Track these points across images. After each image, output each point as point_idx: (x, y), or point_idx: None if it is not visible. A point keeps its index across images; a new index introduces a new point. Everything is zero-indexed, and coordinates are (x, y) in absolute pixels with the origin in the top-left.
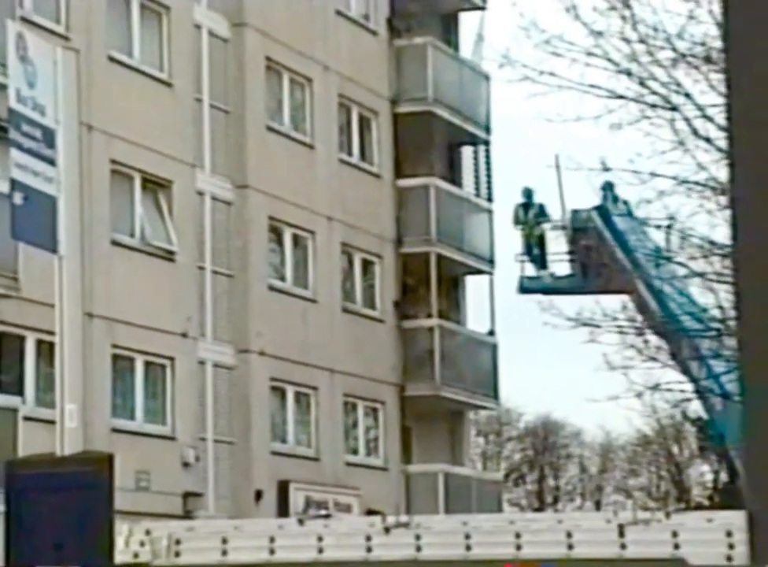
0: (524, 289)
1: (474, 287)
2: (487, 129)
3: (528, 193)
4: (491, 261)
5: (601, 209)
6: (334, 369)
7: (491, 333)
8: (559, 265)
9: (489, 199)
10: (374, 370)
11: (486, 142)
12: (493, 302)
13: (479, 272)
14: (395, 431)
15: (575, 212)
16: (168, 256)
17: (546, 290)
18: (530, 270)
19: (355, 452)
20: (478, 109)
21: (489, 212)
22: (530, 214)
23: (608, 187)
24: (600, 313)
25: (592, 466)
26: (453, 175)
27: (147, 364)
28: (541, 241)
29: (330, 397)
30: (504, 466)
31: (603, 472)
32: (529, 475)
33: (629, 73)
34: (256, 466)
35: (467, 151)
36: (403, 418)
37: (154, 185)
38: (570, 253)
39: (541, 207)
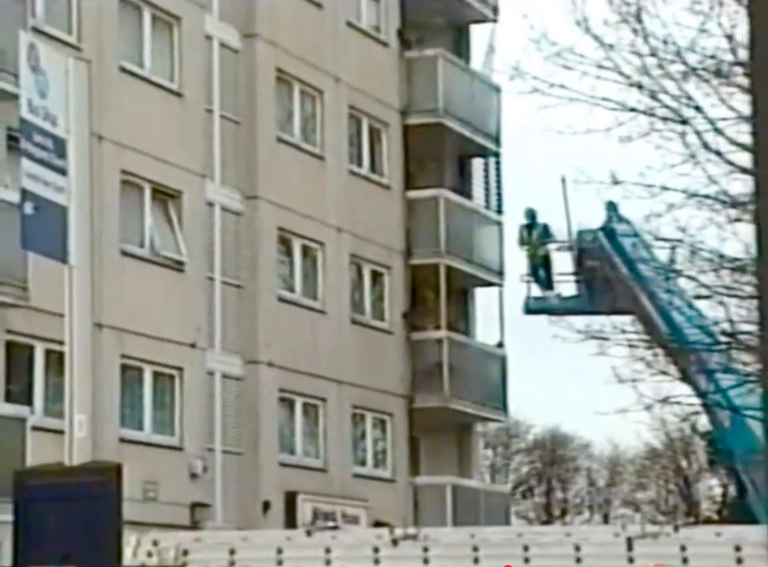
0: (530, 310)
1: (483, 299)
2: (497, 141)
3: (531, 213)
4: (500, 273)
5: (606, 229)
6: (342, 381)
7: (500, 345)
8: (565, 286)
9: (499, 211)
10: (382, 382)
11: (496, 154)
12: (503, 314)
13: (488, 284)
14: (403, 442)
15: (581, 232)
16: (178, 266)
17: (552, 311)
18: (536, 291)
19: (363, 463)
20: (489, 121)
21: (499, 224)
22: (534, 235)
23: (612, 207)
24: (609, 326)
25: (601, 479)
26: (463, 187)
27: (156, 374)
28: (546, 261)
29: (339, 408)
30: (512, 479)
31: (612, 486)
32: (538, 487)
33: (639, 86)
34: (263, 477)
35: (477, 163)
36: (411, 430)
37: (164, 195)
38: (575, 273)
39: (545, 227)
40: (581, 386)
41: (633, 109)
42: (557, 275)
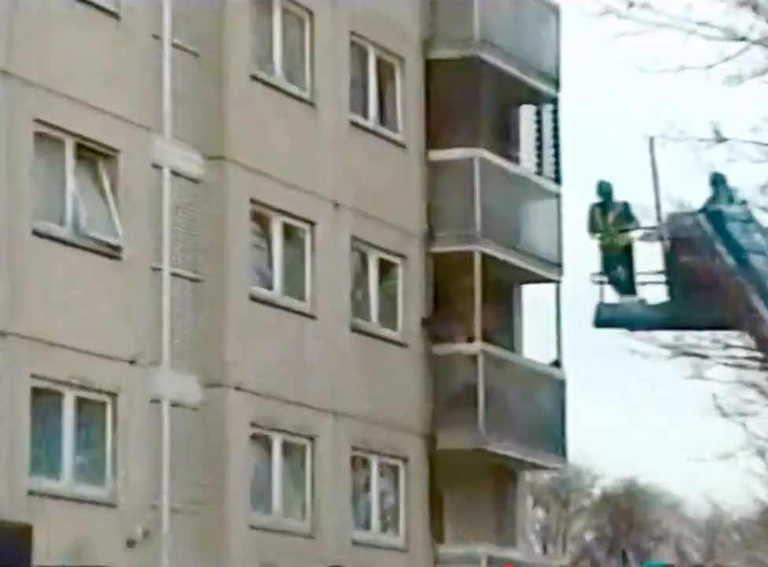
0: (602, 321)
1: (533, 300)
2: (555, 83)
3: (605, 188)
4: (558, 266)
5: (709, 211)
6: (338, 411)
7: (556, 364)
8: (652, 289)
9: (557, 180)
10: (393, 413)
11: (554, 101)
12: (560, 322)
13: (541, 279)
14: (421, 497)
15: (674, 215)
16: (113, 252)
17: (633, 324)
18: (611, 295)
19: (366, 526)
20: (543, 55)
21: (557, 196)
22: (610, 218)
23: (720, 180)
24: (708, 339)
25: (695, 551)
26: (507, 145)
27: (80, 401)
28: (627, 255)
29: (333, 450)
30: (571, 548)
31: (710, 560)
32: (607, 561)
33: (753, 6)
34: (230, 545)
35: (526, 113)
36: (433, 480)
37: (94, 154)
38: (666, 272)
39: (626, 207)
40: (666, 422)
41: (743, 39)
42: (641, 274)
